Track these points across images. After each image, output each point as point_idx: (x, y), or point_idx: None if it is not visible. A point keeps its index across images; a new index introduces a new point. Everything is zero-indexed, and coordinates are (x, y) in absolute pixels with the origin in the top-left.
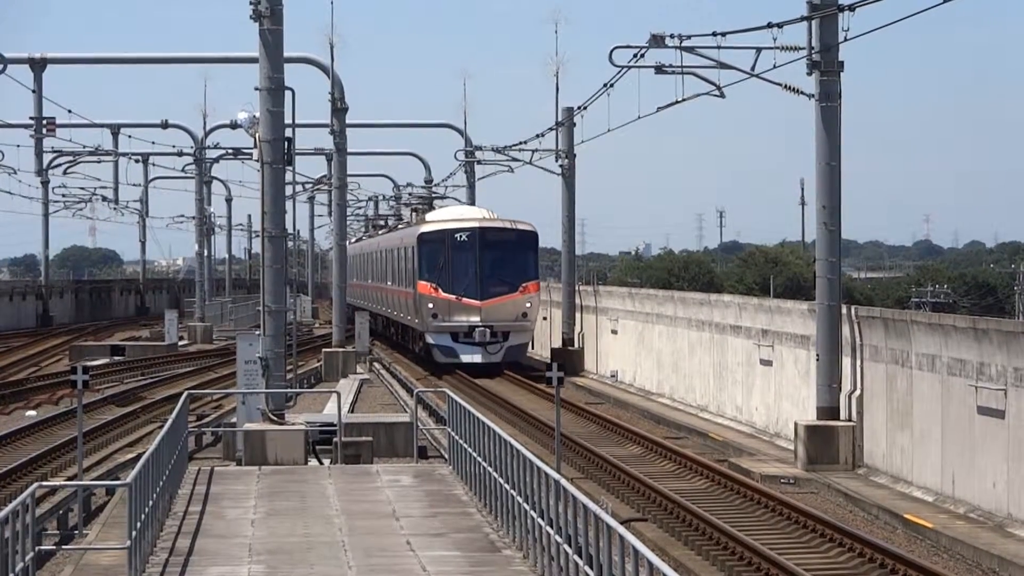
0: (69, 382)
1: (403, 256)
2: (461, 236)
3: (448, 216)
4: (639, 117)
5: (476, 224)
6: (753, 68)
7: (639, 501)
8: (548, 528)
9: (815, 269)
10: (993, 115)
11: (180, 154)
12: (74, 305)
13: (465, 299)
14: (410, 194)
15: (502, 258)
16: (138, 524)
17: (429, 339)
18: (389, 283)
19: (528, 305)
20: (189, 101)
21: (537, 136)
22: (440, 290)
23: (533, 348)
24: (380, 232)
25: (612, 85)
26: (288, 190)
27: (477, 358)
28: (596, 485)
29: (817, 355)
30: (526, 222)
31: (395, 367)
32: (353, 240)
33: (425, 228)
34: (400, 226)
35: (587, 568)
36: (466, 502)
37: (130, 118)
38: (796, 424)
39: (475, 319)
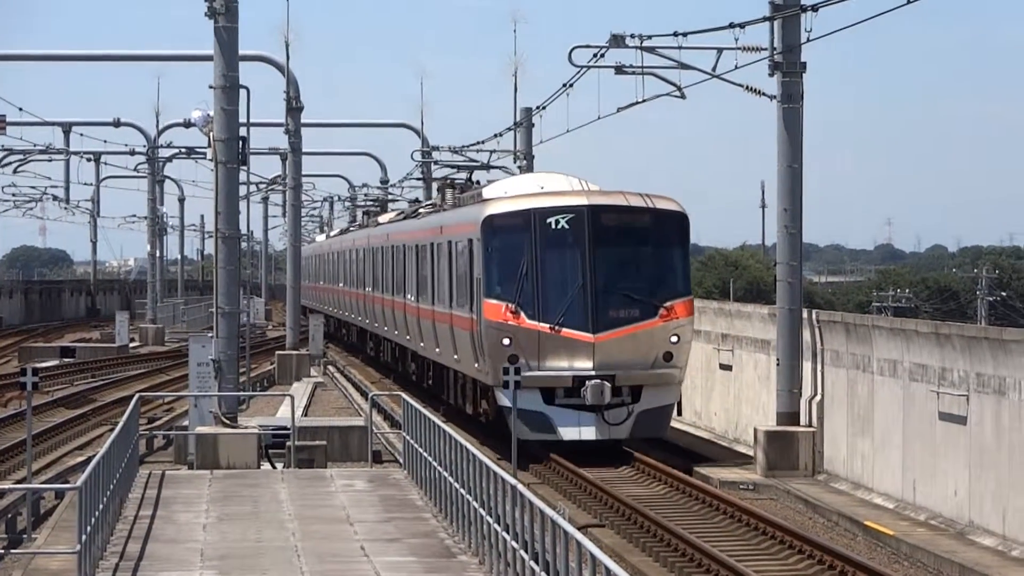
0: (18, 384)
1: (443, 256)
2: (559, 222)
3: (526, 189)
4: (599, 118)
5: (583, 201)
6: (714, 69)
7: (597, 507)
8: (504, 534)
9: (776, 273)
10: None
11: (132, 153)
12: (24, 306)
13: (567, 330)
14: (365, 195)
15: (631, 258)
16: (88, 528)
17: (503, 398)
18: (409, 298)
19: (675, 339)
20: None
21: (495, 136)
22: (523, 315)
23: (680, 414)
24: (381, 221)
25: (571, 85)
26: (242, 190)
27: (589, 432)
28: (553, 491)
29: (777, 360)
30: (667, 196)
31: (350, 370)
32: (334, 233)
33: (495, 208)
34: (423, 210)
35: (544, 574)
36: (421, 507)
37: (82, 116)
38: (756, 430)
39: (584, 365)
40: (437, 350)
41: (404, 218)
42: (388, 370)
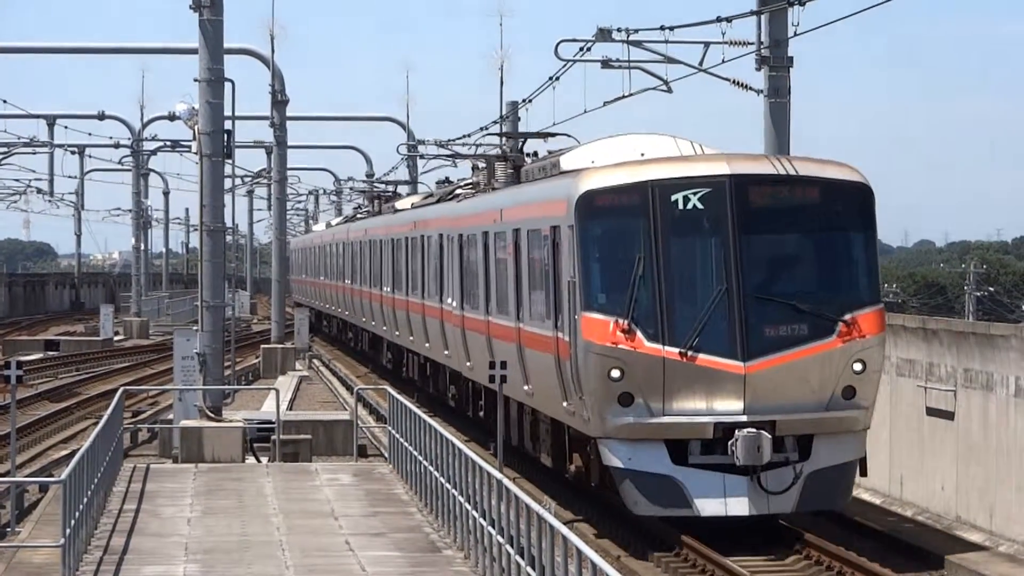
0: (2, 377)
1: (503, 251)
2: (689, 199)
3: (622, 155)
4: (585, 111)
5: (724, 169)
6: (701, 63)
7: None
8: (490, 528)
9: None
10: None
11: (117, 146)
12: (7, 299)
13: (706, 357)
14: (351, 188)
15: (796, 251)
16: (72, 522)
17: (611, 455)
18: (450, 303)
19: (859, 367)
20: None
21: (481, 130)
22: (640, 334)
23: (865, 474)
24: (400, 206)
25: (557, 79)
26: (227, 183)
27: (739, 505)
28: (537, 488)
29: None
30: (840, 162)
31: (335, 364)
32: (336, 221)
33: (594, 181)
34: (462, 191)
35: (529, 569)
36: (407, 501)
37: (66, 109)
38: None
39: (731, 406)
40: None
41: (437, 201)
42: (416, 388)
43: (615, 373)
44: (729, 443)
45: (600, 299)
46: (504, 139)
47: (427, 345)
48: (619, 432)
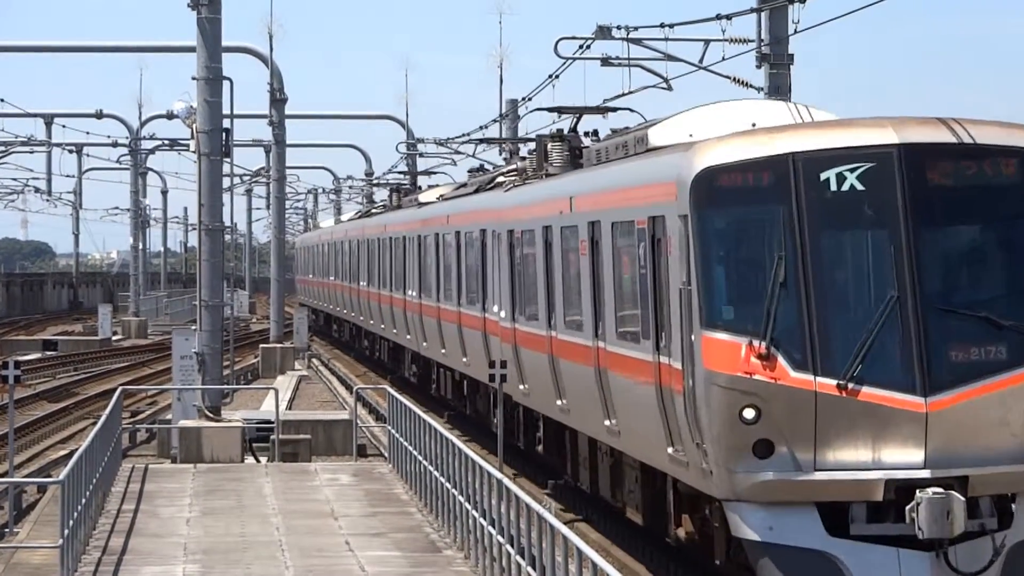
0: (0, 377)
1: (574, 249)
2: (844, 177)
3: (732, 125)
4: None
5: (890, 137)
6: (701, 60)
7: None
8: (490, 528)
9: None
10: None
11: (115, 145)
12: (5, 299)
13: (872, 390)
14: (350, 187)
15: (989, 247)
16: (70, 522)
17: (743, 523)
18: (498, 312)
19: None
20: (124, 91)
21: (480, 128)
22: (782, 360)
23: None
24: (425, 199)
25: (557, 77)
26: (225, 182)
27: None
28: (537, 487)
29: None
30: None
31: (334, 363)
32: (348, 217)
33: (714, 155)
34: (504, 179)
35: (529, 569)
36: (406, 501)
37: (64, 107)
38: None
39: (908, 457)
40: (562, 402)
41: (474, 191)
42: (447, 407)
43: (749, 413)
44: (907, 508)
45: (727, 313)
46: (558, 115)
47: (464, 360)
48: (754, 493)
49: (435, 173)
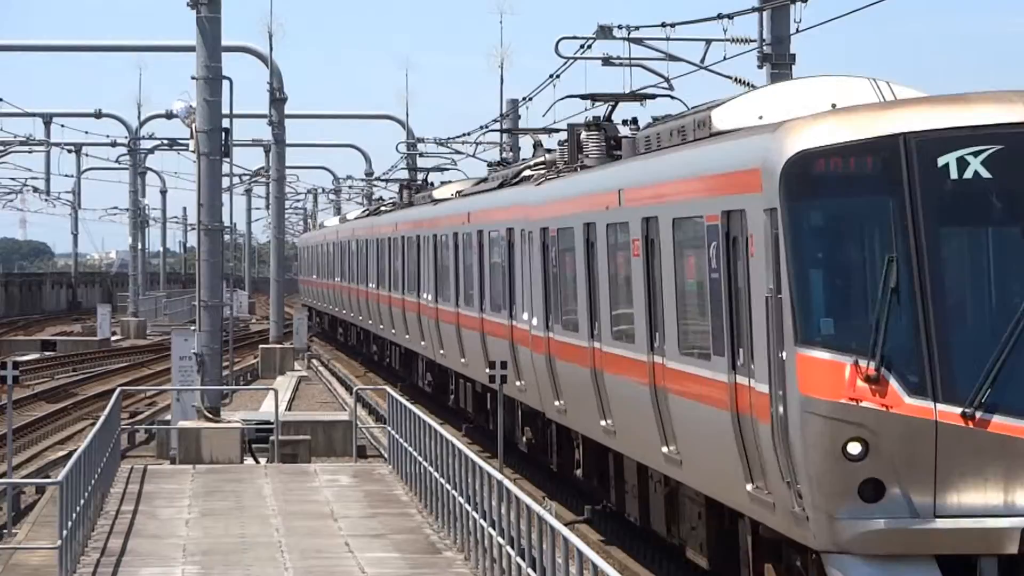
0: None
1: (621, 250)
2: (964, 164)
3: (815, 103)
4: (586, 110)
5: (1020, 116)
6: (703, 60)
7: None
8: (490, 530)
9: None
10: None
11: (114, 144)
12: (4, 299)
13: (1004, 420)
14: (350, 187)
15: None
16: (69, 523)
17: None
18: (529, 320)
19: None
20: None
21: (481, 128)
22: (894, 385)
23: None
24: (439, 196)
25: (558, 76)
26: (225, 182)
27: None
28: (535, 488)
29: None
30: None
31: (334, 364)
32: (354, 215)
33: (808, 136)
34: (532, 172)
35: (530, 570)
36: (406, 503)
37: (62, 107)
38: None
39: None
40: (606, 423)
41: (498, 186)
42: (467, 420)
43: (854, 448)
44: None
45: (826, 327)
46: (591, 102)
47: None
48: (861, 544)
49: (447, 169)
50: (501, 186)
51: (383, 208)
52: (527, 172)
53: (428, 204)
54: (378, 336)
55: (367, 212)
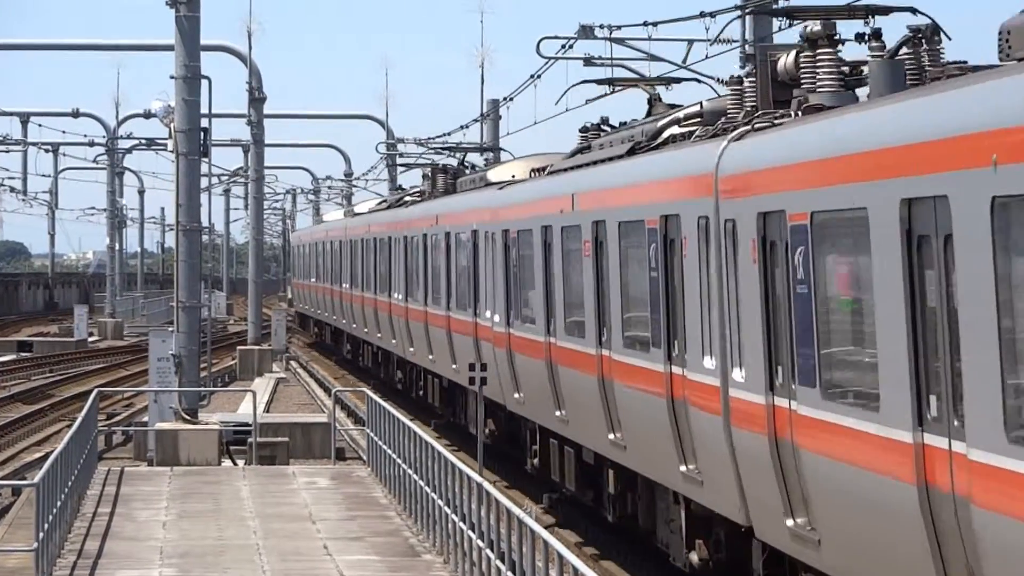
0: None
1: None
2: None
3: None
4: (567, 110)
5: None
6: (685, 60)
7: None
8: (470, 533)
9: None
10: None
11: (92, 144)
12: None
13: None
14: (329, 187)
15: None
16: (46, 525)
17: None
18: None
19: None
20: (102, 90)
21: (461, 128)
22: None
23: None
24: (494, 177)
25: (539, 76)
26: (203, 182)
27: None
28: (518, 493)
29: None
30: None
31: (312, 366)
32: (363, 209)
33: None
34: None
35: (510, 573)
36: (385, 505)
37: (40, 106)
38: None
39: None
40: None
41: (628, 152)
42: (536, 474)
43: None
44: None
45: None
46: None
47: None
48: None
49: (500, 148)
50: (631, 152)
51: (407, 198)
52: (672, 130)
53: (477, 189)
54: (407, 362)
55: (384, 203)
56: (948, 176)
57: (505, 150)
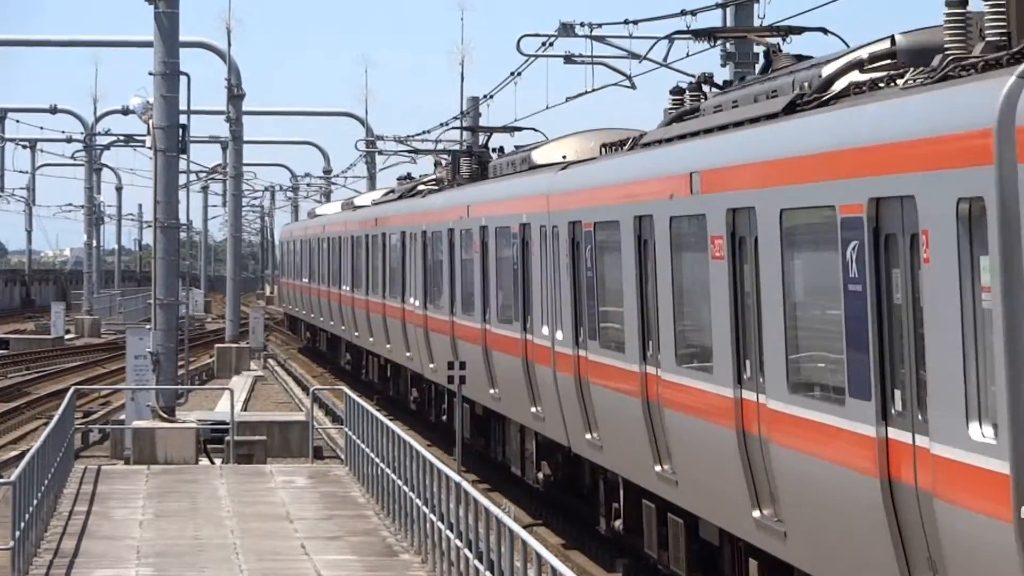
0: None
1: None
2: None
3: None
4: (547, 107)
5: None
6: (666, 58)
7: (538, 507)
8: (448, 532)
9: None
10: None
11: (69, 140)
12: None
13: None
14: (308, 184)
15: None
16: (22, 524)
17: None
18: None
19: None
20: (79, 85)
21: (441, 126)
22: None
23: None
24: (539, 159)
25: (519, 74)
26: (182, 179)
27: None
28: (497, 493)
29: None
30: None
31: (290, 364)
32: (366, 202)
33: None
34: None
35: (488, 573)
36: (363, 504)
37: (17, 102)
38: None
39: None
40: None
41: (753, 118)
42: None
43: None
44: None
45: None
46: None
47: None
48: None
49: (523, 129)
50: (728, 123)
51: (421, 187)
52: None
53: (519, 175)
54: (420, 377)
55: (393, 193)
56: None
57: (488, 149)
